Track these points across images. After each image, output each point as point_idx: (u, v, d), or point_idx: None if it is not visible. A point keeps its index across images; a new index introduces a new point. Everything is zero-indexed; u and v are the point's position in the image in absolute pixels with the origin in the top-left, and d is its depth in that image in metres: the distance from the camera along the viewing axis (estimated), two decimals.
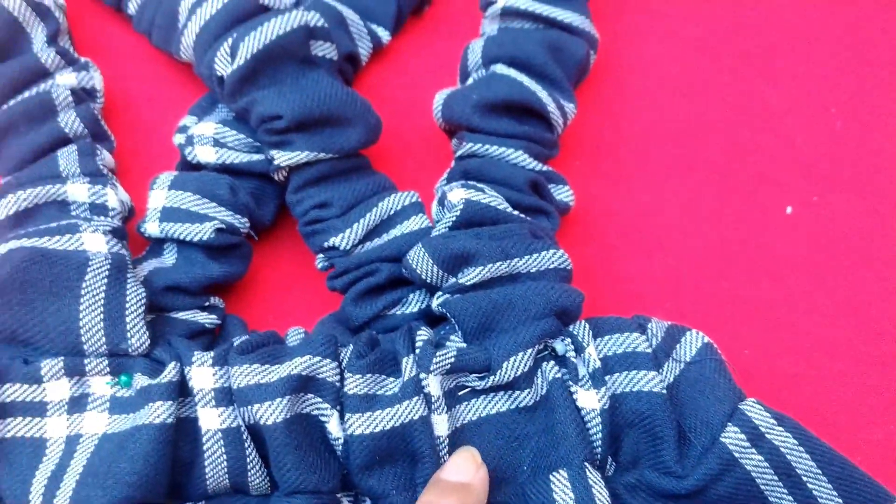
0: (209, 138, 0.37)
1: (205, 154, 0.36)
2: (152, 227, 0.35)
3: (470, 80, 0.40)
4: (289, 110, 0.35)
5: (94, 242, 0.33)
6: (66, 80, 0.38)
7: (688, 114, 0.43)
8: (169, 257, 0.36)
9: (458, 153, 0.38)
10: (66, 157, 0.35)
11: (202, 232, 0.34)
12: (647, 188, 0.41)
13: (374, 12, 0.43)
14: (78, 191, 0.35)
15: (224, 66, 0.36)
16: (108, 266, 0.31)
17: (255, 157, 0.37)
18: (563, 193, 0.38)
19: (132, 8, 0.41)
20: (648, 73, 0.43)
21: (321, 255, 0.36)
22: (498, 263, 0.32)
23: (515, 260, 0.32)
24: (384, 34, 0.43)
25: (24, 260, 0.31)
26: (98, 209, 0.35)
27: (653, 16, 0.45)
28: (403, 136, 0.42)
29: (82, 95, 0.38)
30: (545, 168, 0.37)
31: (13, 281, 0.30)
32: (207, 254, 0.35)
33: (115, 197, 0.35)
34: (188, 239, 0.34)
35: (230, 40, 0.36)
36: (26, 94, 0.37)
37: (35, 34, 0.38)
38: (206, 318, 0.34)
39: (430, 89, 0.42)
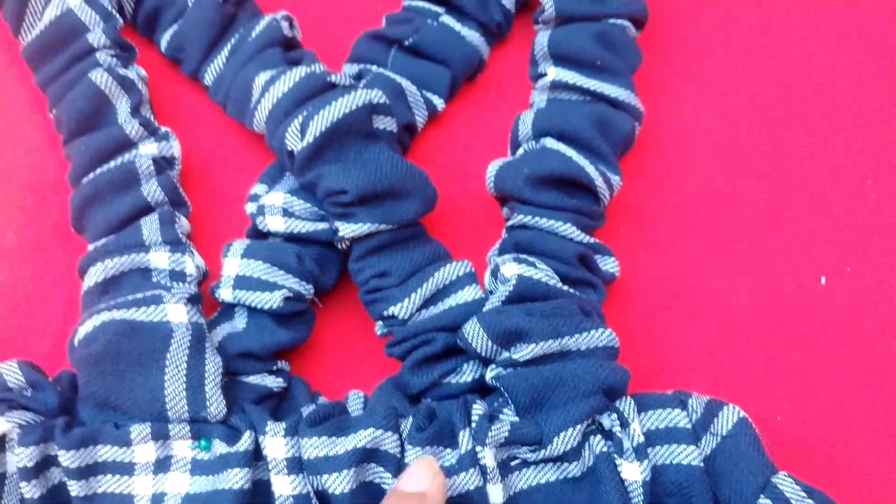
0: (279, 208, 0.39)
1: (274, 223, 0.39)
2: (226, 294, 0.38)
3: (521, 151, 0.42)
4: (353, 186, 0.37)
5: (177, 313, 0.35)
6: (148, 149, 0.41)
7: (726, 183, 0.45)
8: (240, 321, 0.38)
9: (510, 223, 0.40)
10: (149, 226, 0.38)
11: (272, 301, 0.37)
12: (687, 257, 0.43)
13: (429, 82, 0.45)
14: (159, 259, 0.37)
15: (294, 142, 0.38)
16: (190, 337, 0.34)
17: (321, 225, 0.39)
18: (608, 264, 0.40)
19: (209, 79, 0.44)
20: (690, 142, 0.45)
21: (380, 322, 0.38)
22: (549, 341, 0.34)
23: (566, 338, 0.35)
24: (439, 102, 0.45)
25: (116, 333, 0.33)
26: (177, 275, 0.37)
27: (695, 86, 0.47)
28: (456, 202, 0.44)
29: (162, 164, 0.41)
30: (592, 240, 0.40)
31: (107, 353, 0.33)
32: (276, 320, 0.38)
33: (192, 263, 0.38)
34: (259, 307, 0.37)
35: (300, 118, 0.38)
36: (111, 163, 0.40)
37: (120, 106, 0.41)
38: (273, 382, 0.37)
39: (482, 156, 0.44)
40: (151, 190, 0.39)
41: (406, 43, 0.45)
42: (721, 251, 0.43)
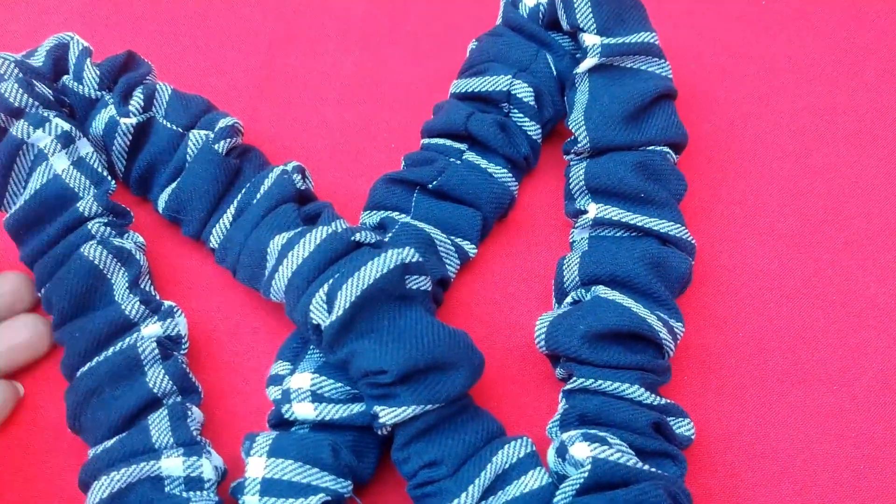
0: (307, 392, 0.34)
1: (304, 411, 0.34)
2: (252, 501, 0.32)
3: (568, 300, 0.38)
4: (393, 364, 0.33)
5: None
6: (151, 330, 0.36)
7: (792, 315, 0.40)
8: None
9: (568, 387, 0.36)
10: (158, 427, 0.33)
11: None
12: (762, 403, 0.38)
13: (459, 227, 0.41)
14: (173, 465, 0.32)
15: (320, 314, 0.34)
16: None
17: (356, 407, 0.34)
18: (683, 427, 0.35)
19: (214, 242, 0.39)
20: (748, 273, 0.42)
21: None
22: None
23: None
24: (471, 248, 0.41)
25: None
26: (193, 483, 0.32)
27: (746, 211, 0.43)
28: (500, 360, 0.40)
29: (168, 345, 0.36)
30: (663, 401, 0.35)
31: None
32: None
33: (209, 466, 0.33)
34: None
35: (326, 287, 0.34)
36: (110, 350, 0.35)
37: (117, 281, 0.37)
38: None
39: (522, 303, 0.41)
40: (157, 379, 0.35)
41: (430, 186, 0.41)
42: (797, 394, 0.38)
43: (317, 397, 0.34)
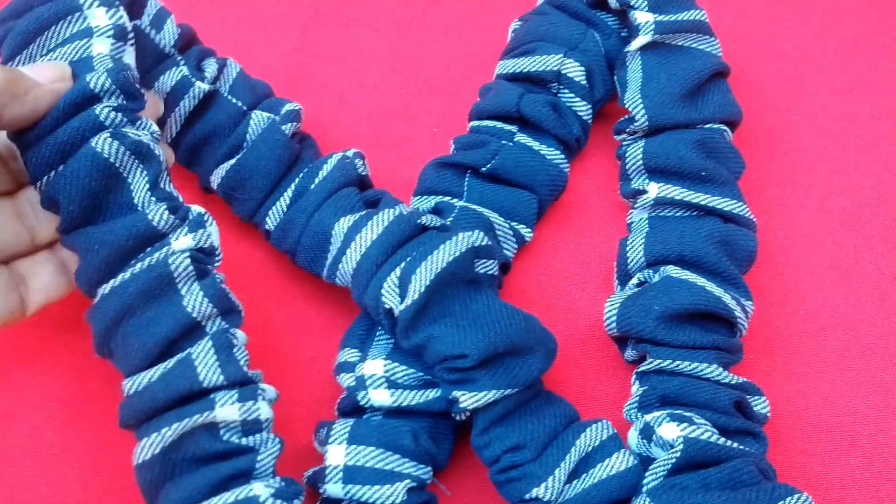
0: (382, 378, 0.34)
1: (380, 397, 0.33)
2: (334, 489, 0.32)
3: (634, 281, 0.38)
4: (474, 349, 0.32)
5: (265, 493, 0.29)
6: (182, 243, 0.31)
7: (848, 292, 0.40)
8: None
9: (642, 368, 0.35)
10: (204, 361, 0.30)
11: (394, 495, 0.31)
12: (825, 379, 0.38)
13: (515, 210, 0.40)
14: (227, 412, 0.30)
15: (393, 299, 0.33)
16: None
17: (431, 393, 0.34)
18: (759, 405, 0.35)
19: (270, 223, 0.38)
20: (802, 252, 0.41)
21: None
22: None
23: None
24: (527, 232, 0.40)
25: None
26: (250, 426, 0.30)
27: (796, 191, 0.43)
28: (559, 342, 0.39)
29: (201, 258, 0.32)
30: (740, 380, 0.35)
31: None
32: None
33: (266, 407, 0.31)
34: (380, 503, 0.31)
35: (398, 271, 0.33)
36: (137, 266, 0.31)
37: (135, 181, 0.32)
38: None
39: (581, 287, 0.40)
40: (195, 302, 0.31)
41: (483, 169, 0.40)
42: (861, 368, 0.38)
43: (391, 384, 0.34)
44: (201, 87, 0.38)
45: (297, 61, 0.47)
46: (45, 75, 0.30)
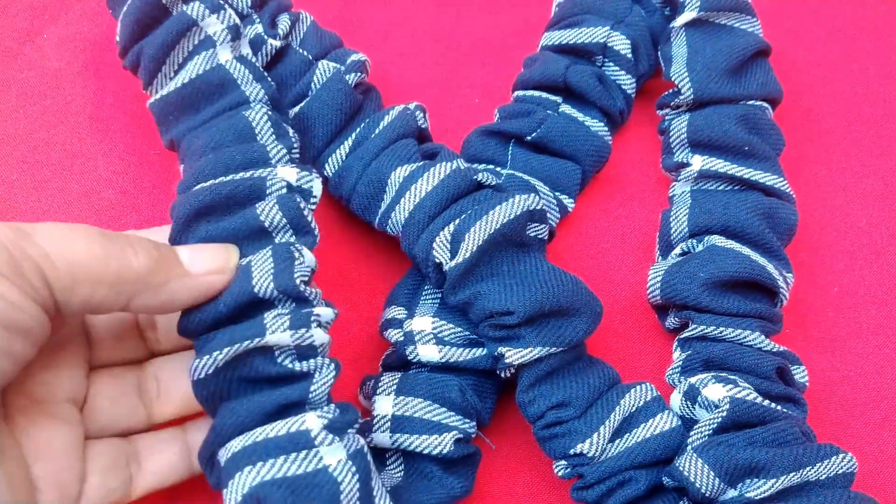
0: (430, 334, 0.34)
1: (428, 353, 0.34)
2: (382, 438, 0.32)
3: (677, 251, 0.38)
4: (521, 306, 0.32)
5: (334, 455, 0.28)
6: (286, 174, 0.32)
7: (882, 269, 0.41)
8: (396, 470, 0.32)
9: (686, 334, 0.36)
10: (261, 268, 0.29)
11: (442, 445, 0.31)
12: (860, 353, 0.39)
13: (558, 180, 0.41)
14: (280, 338, 0.29)
15: (443, 254, 0.33)
16: (358, 488, 0.28)
17: (478, 351, 0.34)
18: (798, 374, 0.36)
19: (329, 169, 0.38)
20: (837, 229, 0.42)
21: (563, 462, 0.33)
22: (791, 475, 0.29)
23: (807, 469, 0.30)
24: (569, 202, 0.41)
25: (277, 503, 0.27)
26: (304, 351, 0.30)
27: (831, 170, 0.44)
28: (606, 312, 0.39)
29: (301, 192, 0.33)
30: (781, 348, 0.35)
31: None
32: (443, 467, 0.32)
33: (321, 333, 0.30)
34: (427, 452, 0.31)
35: (451, 227, 0.34)
36: (238, 175, 0.32)
37: (250, 90, 0.35)
38: None
39: (620, 257, 0.41)
40: (268, 209, 0.31)
41: (528, 138, 0.41)
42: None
43: (439, 340, 0.34)
44: (273, 43, 0.39)
45: (339, 32, 0.47)
46: (203, 263, 0.29)
